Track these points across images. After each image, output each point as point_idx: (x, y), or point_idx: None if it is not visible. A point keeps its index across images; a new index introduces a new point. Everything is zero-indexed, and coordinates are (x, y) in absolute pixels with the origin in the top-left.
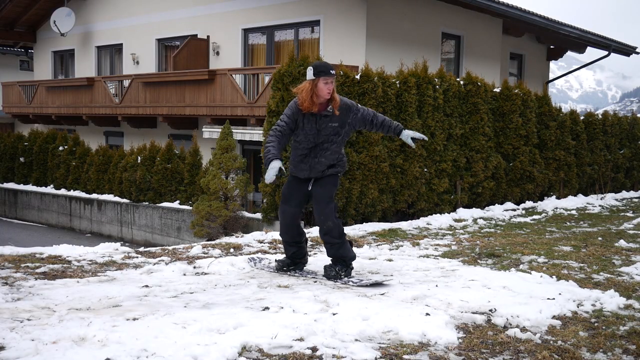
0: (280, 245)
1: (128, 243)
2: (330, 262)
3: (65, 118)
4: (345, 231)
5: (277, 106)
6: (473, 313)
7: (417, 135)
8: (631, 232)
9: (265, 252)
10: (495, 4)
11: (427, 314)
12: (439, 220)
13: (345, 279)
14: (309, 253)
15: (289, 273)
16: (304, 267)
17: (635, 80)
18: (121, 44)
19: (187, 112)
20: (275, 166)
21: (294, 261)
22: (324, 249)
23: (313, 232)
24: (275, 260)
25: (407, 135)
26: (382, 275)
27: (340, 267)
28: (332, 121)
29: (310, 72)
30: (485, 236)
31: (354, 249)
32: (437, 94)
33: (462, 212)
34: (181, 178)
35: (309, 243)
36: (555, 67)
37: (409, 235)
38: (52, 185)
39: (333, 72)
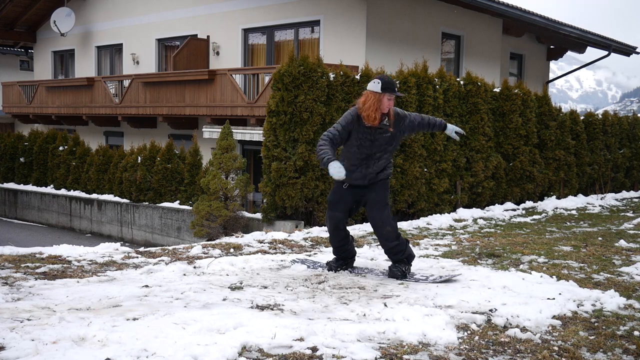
0: (281, 245)
1: (128, 243)
2: (393, 263)
3: (65, 118)
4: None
5: (277, 106)
6: (473, 313)
7: (459, 129)
8: (631, 232)
9: (265, 252)
10: (495, 4)
11: (427, 314)
12: (439, 220)
13: (416, 276)
14: (310, 253)
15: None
16: (354, 264)
17: (635, 80)
18: (121, 44)
19: (187, 112)
20: (339, 165)
21: (345, 261)
22: (324, 249)
23: (313, 232)
24: (326, 263)
25: (452, 129)
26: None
27: (405, 266)
28: (386, 132)
29: (377, 86)
30: (485, 236)
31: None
32: (437, 94)
33: (462, 212)
34: (181, 178)
35: (311, 243)
36: (555, 67)
37: (409, 235)
38: (52, 185)
39: (397, 92)
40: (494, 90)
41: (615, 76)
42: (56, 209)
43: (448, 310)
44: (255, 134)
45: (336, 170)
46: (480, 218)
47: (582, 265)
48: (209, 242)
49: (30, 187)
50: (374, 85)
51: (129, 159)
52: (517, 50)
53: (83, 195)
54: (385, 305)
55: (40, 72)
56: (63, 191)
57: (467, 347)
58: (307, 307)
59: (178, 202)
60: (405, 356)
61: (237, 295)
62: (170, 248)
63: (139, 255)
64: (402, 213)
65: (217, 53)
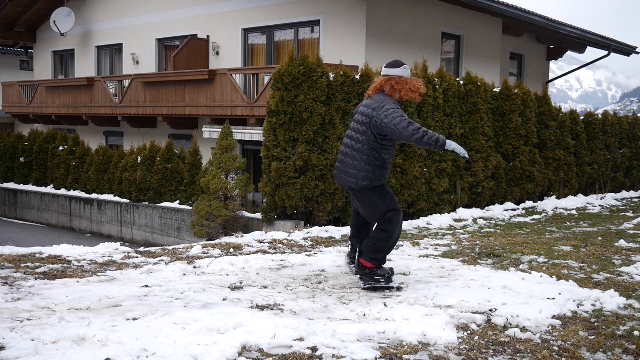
0: (281, 245)
1: (128, 243)
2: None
3: (65, 118)
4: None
5: (277, 106)
6: (473, 313)
7: None
8: (631, 232)
9: (265, 252)
10: (495, 4)
11: (427, 314)
12: (439, 220)
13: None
14: (310, 253)
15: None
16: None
17: (635, 80)
18: (121, 44)
19: (187, 112)
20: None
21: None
22: (324, 249)
23: (313, 231)
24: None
25: None
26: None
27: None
28: None
29: (408, 72)
30: (485, 236)
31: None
32: (437, 94)
33: (462, 212)
34: (181, 178)
35: (311, 243)
36: (555, 67)
37: (409, 235)
38: (52, 185)
39: None
40: (494, 90)
41: (615, 76)
42: (56, 209)
43: (448, 310)
44: (255, 134)
45: (463, 148)
46: (480, 218)
47: (582, 265)
48: (209, 242)
49: (30, 187)
50: (405, 72)
51: (129, 159)
52: (517, 50)
53: (83, 195)
54: (385, 305)
55: (40, 72)
56: (63, 191)
57: (467, 347)
58: (307, 307)
59: (178, 202)
60: (405, 356)
61: (237, 295)
62: (170, 248)
63: (139, 255)
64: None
65: (217, 53)
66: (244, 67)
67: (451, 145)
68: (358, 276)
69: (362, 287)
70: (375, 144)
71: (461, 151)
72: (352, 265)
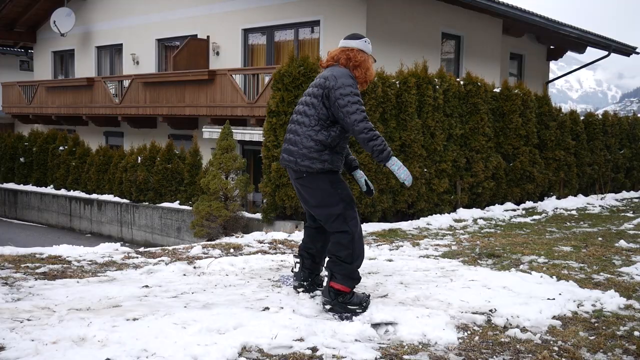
0: (281, 245)
1: (128, 243)
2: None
3: (65, 118)
4: None
5: (277, 106)
6: (473, 313)
7: (367, 183)
8: (631, 232)
9: (265, 252)
10: (495, 4)
11: (427, 314)
12: (439, 221)
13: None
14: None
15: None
16: None
17: (635, 80)
18: (121, 44)
19: (187, 112)
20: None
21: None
22: None
23: None
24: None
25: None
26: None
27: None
28: None
29: (369, 47)
30: (485, 236)
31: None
32: (437, 94)
33: (462, 212)
34: (181, 178)
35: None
36: (555, 67)
37: (409, 236)
38: (52, 186)
39: None
40: (494, 90)
41: (616, 76)
42: (56, 209)
43: (448, 310)
44: (255, 134)
45: (405, 173)
46: (480, 218)
47: (582, 265)
48: (209, 242)
49: (30, 187)
50: (366, 45)
51: (129, 159)
52: (517, 50)
53: (83, 195)
54: (385, 305)
55: (40, 72)
56: (63, 191)
57: (467, 347)
58: (307, 307)
59: (178, 202)
60: (405, 356)
61: (238, 295)
62: (170, 248)
63: (139, 256)
64: (402, 213)
65: (217, 53)
66: (244, 67)
67: (394, 164)
68: (327, 307)
69: (337, 319)
70: (326, 118)
71: (402, 175)
72: (301, 290)
